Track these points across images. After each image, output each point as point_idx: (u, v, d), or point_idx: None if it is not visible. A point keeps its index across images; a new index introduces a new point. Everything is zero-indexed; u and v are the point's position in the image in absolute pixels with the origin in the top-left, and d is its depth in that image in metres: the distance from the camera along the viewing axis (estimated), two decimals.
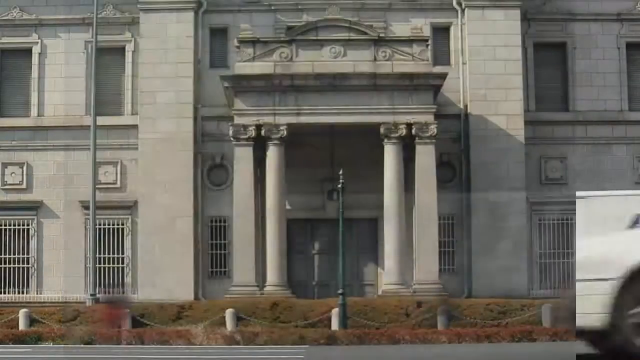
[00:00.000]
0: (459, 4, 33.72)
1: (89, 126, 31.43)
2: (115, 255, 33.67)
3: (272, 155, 30.77)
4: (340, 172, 28.80)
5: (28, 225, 34.06)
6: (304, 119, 30.71)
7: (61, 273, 33.51)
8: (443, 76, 31.24)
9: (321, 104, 30.73)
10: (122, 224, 33.83)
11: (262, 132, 30.67)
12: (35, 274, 33.73)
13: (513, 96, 33.06)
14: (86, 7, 33.47)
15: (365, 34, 31.40)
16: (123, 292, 32.97)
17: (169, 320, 27.26)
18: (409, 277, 30.50)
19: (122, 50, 34.58)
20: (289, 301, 28.64)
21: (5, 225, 33.96)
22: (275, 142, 30.72)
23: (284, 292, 30.07)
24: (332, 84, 30.74)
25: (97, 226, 31.71)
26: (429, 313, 27.00)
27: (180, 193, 32.68)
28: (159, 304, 28.71)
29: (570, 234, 33.63)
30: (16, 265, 33.85)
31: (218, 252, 33.23)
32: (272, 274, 30.43)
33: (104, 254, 33.24)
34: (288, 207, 31.55)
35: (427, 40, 31.52)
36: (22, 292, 33.55)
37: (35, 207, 34.00)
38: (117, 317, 26.53)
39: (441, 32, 34.02)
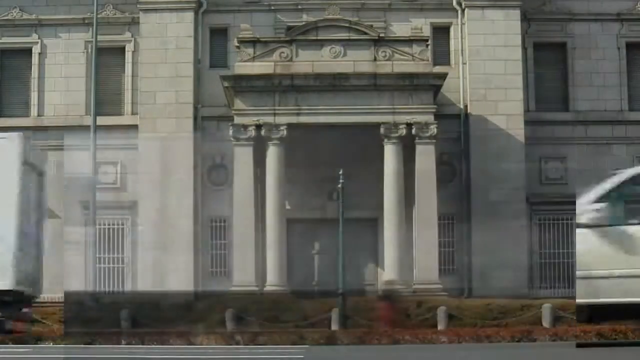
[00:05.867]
0: (459, 4, 33.73)
1: (89, 126, 31.44)
2: (115, 255, 33.68)
3: (272, 155, 30.78)
4: (340, 172, 28.80)
5: None
6: (304, 119, 30.73)
7: (61, 273, 33.49)
8: (443, 76, 31.25)
9: (321, 104, 30.75)
10: (122, 224, 33.83)
11: (262, 132, 30.69)
12: None
13: (513, 96, 33.07)
14: (86, 7, 33.51)
15: (365, 34, 31.42)
16: (123, 292, 33.02)
17: (169, 320, 27.24)
18: (409, 277, 30.50)
19: (122, 50, 34.60)
20: (289, 301, 28.63)
21: None
22: (275, 142, 30.74)
23: (284, 292, 30.07)
24: (332, 84, 30.76)
25: (97, 226, 31.71)
26: (429, 313, 27.00)
27: (180, 193, 32.69)
28: (159, 303, 28.69)
29: (570, 234, 33.66)
30: None
31: (218, 252, 33.23)
32: (272, 274, 30.44)
33: (104, 254, 33.25)
34: (288, 207, 31.56)
35: (427, 40, 31.55)
36: None
37: None
38: (395, 314, 26.35)
39: (441, 32, 34.03)
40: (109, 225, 33.60)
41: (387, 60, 30.96)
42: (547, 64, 34.68)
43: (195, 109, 33.49)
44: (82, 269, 33.19)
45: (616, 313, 15.49)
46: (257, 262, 30.68)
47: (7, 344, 24.44)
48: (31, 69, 34.68)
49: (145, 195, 32.90)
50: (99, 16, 32.04)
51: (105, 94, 33.67)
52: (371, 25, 32.32)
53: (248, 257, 30.45)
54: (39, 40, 34.63)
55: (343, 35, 31.30)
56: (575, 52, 34.63)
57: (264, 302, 28.25)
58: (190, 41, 33.55)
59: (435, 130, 30.52)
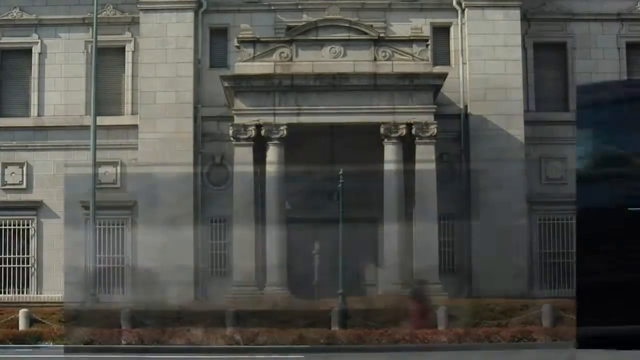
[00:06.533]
0: (459, 4, 33.72)
1: (89, 126, 31.42)
2: (115, 255, 33.66)
3: (272, 155, 30.77)
4: (340, 172, 28.78)
5: (28, 225, 34.07)
6: (304, 119, 30.73)
7: (61, 273, 33.49)
8: (443, 76, 31.24)
9: (321, 104, 30.74)
10: (122, 224, 33.82)
11: (262, 132, 30.69)
12: (35, 274, 33.74)
13: (513, 96, 33.06)
14: (86, 7, 33.50)
15: (365, 34, 31.41)
16: (123, 292, 33.01)
17: (169, 320, 27.23)
18: (409, 277, 30.48)
19: (122, 50, 34.58)
20: (289, 301, 28.63)
21: (5, 225, 33.96)
22: (275, 142, 30.73)
23: (284, 292, 30.07)
24: (332, 84, 30.75)
25: (97, 226, 31.70)
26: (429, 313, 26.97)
27: (180, 193, 32.68)
28: (159, 304, 28.69)
29: (570, 233, 33.65)
30: (16, 265, 33.86)
31: (218, 252, 33.22)
32: (272, 274, 30.44)
33: (104, 254, 33.23)
34: (288, 207, 31.54)
35: (427, 40, 31.54)
36: (22, 292, 33.56)
37: (35, 207, 34.01)
38: (425, 313, 26.27)
39: (441, 32, 34.02)
40: (109, 225, 33.59)
41: (387, 60, 30.95)
42: (547, 64, 34.67)
43: (195, 109, 33.48)
44: (82, 269, 33.18)
45: None
46: (257, 262, 30.66)
47: (7, 344, 24.47)
48: (31, 69, 34.66)
49: (144, 195, 32.89)
50: (99, 16, 32.02)
51: (105, 94, 33.65)
52: (371, 25, 32.31)
53: (248, 257, 30.45)
54: (39, 40, 34.61)
55: (343, 35, 31.29)
56: (575, 52, 34.62)
57: (264, 302, 28.23)
58: (190, 41, 33.54)
59: (435, 130, 30.52)
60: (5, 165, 34.35)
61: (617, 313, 9.94)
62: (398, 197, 30.51)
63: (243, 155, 30.83)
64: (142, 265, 32.66)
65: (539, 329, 25.27)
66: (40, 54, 34.62)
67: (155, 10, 33.59)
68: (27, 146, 34.34)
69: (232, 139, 30.92)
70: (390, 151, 30.67)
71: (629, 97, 10.46)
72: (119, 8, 34.58)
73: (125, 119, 34.15)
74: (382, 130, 30.54)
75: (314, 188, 32.69)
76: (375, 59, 30.97)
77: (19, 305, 30.32)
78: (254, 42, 31.16)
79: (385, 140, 30.69)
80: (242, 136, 30.79)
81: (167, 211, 32.48)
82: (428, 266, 30.23)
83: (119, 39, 34.48)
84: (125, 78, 34.44)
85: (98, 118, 31.42)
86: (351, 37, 31.27)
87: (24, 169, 34.29)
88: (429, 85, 30.90)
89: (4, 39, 34.83)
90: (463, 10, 33.68)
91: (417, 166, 30.62)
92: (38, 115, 34.49)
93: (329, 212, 31.82)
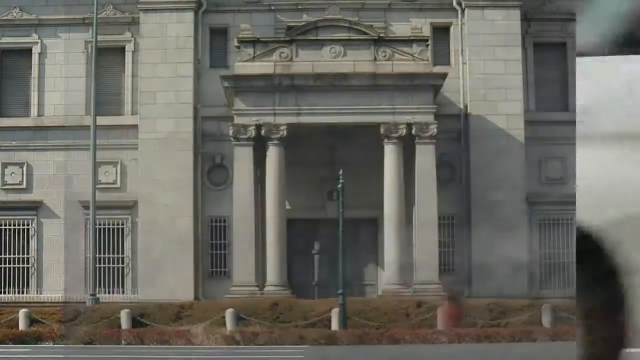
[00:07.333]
0: (459, 4, 33.72)
1: (89, 126, 31.44)
2: (115, 255, 33.67)
3: (272, 155, 30.78)
4: (340, 172, 28.79)
5: (28, 225, 34.06)
6: (304, 119, 30.73)
7: (61, 273, 33.52)
8: (443, 76, 31.24)
9: (321, 104, 30.74)
10: (122, 224, 33.83)
11: (262, 132, 30.69)
12: (35, 274, 33.73)
13: (513, 96, 33.06)
14: (86, 7, 33.50)
15: (365, 34, 31.41)
16: (123, 292, 33.02)
17: (169, 320, 27.26)
18: (409, 277, 30.50)
19: (122, 50, 34.58)
20: (289, 301, 28.65)
21: (5, 225, 33.96)
22: (275, 142, 30.73)
23: (284, 292, 30.08)
24: (332, 84, 30.74)
25: (97, 226, 31.71)
26: (429, 313, 26.99)
27: (180, 193, 32.69)
28: (159, 304, 28.71)
29: (570, 233, 33.65)
30: (16, 265, 33.86)
31: (218, 252, 33.23)
32: (272, 274, 30.45)
33: (104, 254, 33.25)
34: (288, 207, 31.56)
35: (427, 40, 31.54)
36: (22, 292, 33.55)
37: (35, 207, 34.00)
38: (458, 314, 26.30)
39: (441, 32, 34.02)
40: (109, 225, 33.60)
41: (387, 60, 30.95)
42: (547, 64, 34.66)
43: (195, 109, 33.48)
44: (82, 269, 33.20)
45: None
46: (257, 262, 30.68)
47: (7, 344, 24.47)
48: (31, 69, 34.65)
49: (145, 195, 32.89)
50: (99, 16, 32.03)
51: (105, 94, 33.65)
52: (371, 25, 32.30)
53: (248, 257, 30.46)
54: (39, 40, 34.61)
55: (343, 35, 31.29)
56: (575, 52, 34.55)
57: (264, 302, 28.24)
58: (190, 41, 33.54)
59: (435, 130, 30.52)
60: (5, 165, 34.35)
61: None
62: (398, 197, 30.51)
63: (243, 155, 30.83)
64: (142, 265, 32.67)
65: (539, 329, 25.28)
66: (40, 54, 34.62)
67: (155, 10, 33.59)
68: (27, 146, 34.34)
69: (232, 139, 30.92)
70: (390, 151, 30.67)
71: None
72: (119, 8, 34.58)
73: (125, 119, 34.15)
74: (382, 130, 30.54)
75: (314, 188, 32.72)
76: (375, 59, 30.97)
77: (19, 305, 30.31)
78: (254, 42, 31.16)
79: (385, 140, 30.69)
80: (242, 136, 30.79)
81: (167, 211, 32.50)
82: (428, 266, 30.25)
83: (119, 39, 34.48)
84: (125, 78, 34.44)
85: (98, 118, 31.44)
86: (351, 37, 31.27)
87: (24, 169, 34.28)
88: (429, 85, 30.90)
89: (4, 39, 34.83)
90: (463, 10, 33.68)
91: (417, 166, 30.63)
92: (38, 115, 34.49)
93: (329, 212, 31.86)
